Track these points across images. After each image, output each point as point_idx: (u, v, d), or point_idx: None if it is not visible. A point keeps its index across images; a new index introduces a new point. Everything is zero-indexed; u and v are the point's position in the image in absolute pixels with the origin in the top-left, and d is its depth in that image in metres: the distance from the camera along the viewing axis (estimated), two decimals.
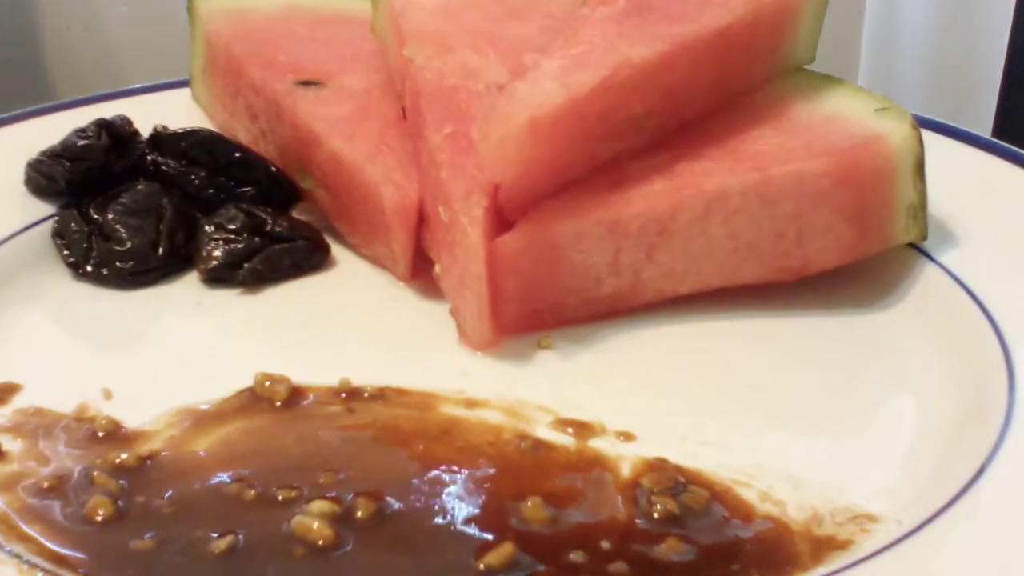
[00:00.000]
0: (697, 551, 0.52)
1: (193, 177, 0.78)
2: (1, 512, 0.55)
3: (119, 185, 0.78)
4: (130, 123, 0.80)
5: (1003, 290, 0.68)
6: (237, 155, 0.79)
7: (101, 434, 0.60)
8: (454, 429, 0.60)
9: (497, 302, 0.66)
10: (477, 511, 0.55)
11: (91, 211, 0.76)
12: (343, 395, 0.63)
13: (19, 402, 0.63)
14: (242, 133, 0.84)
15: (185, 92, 0.92)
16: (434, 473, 0.57)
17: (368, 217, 0.74)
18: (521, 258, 0.66)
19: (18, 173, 0.80)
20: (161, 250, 0.75)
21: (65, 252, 0.75)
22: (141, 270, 0.74)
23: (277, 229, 0.76)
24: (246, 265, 0.74)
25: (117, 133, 0.79)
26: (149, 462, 0.58)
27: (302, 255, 0.75)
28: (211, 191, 0.78)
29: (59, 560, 0.52)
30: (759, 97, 0.74)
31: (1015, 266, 0.70)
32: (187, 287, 0.74)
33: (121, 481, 0.56)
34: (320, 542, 0.52)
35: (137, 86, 0.93)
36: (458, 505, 0.55)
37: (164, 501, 0.55)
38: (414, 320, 0.70)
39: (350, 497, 0.55)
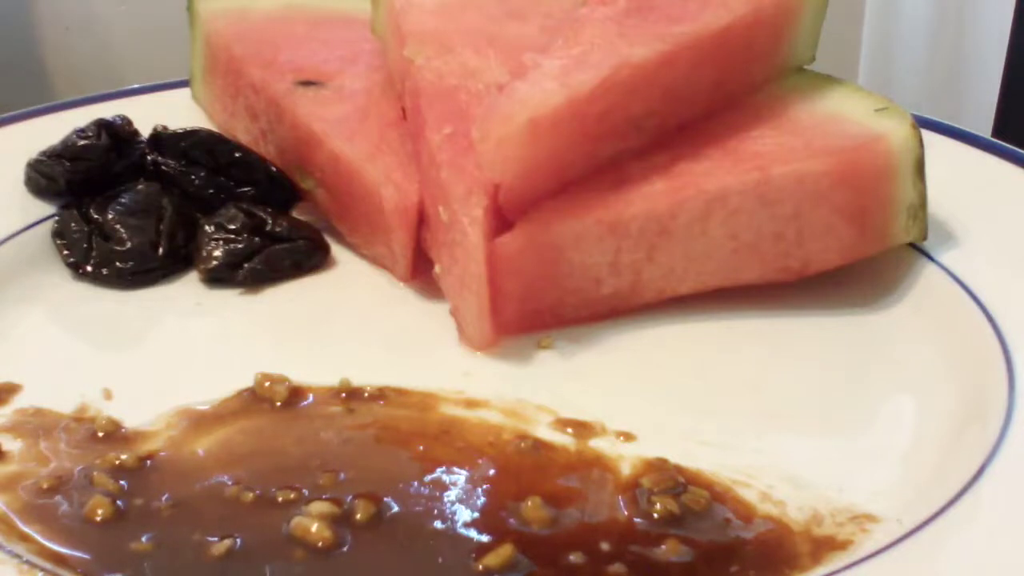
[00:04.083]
0: (697, 552, 0.52)
1: (193, 177, 0.78)
2: (1, 512, 0.55)
3: (119, 185, 0.78)
4: (130, 123, 0.80)
5: (1003, 290, 0.68)
6: (237, 155, 0.79)
7: (101, 434, 0.60)
8: (454, 429, 0.60)
9: (497, 302, 0.66)
10: (477, 512, 0.55)
11: (91, 211, 0.76)
12: (343, 395, 0.63)
13: (19, 402, 0.63)
14: (242, 133, 0.84)
15: (185, 92, 0.92)
16: (434, 474, 0.57)
17: (368, 217, 0.74)
18: (521, 258, 0.66)
19: (18, 173, 0.80)
20: (161, 250, 0.75)
21: (65, 252, 0.75)
22: (141, 270, 0.74)
23: (277, 229, 0.76)
24: (246, 265, 0.74)
25: (117, 133, 0.79)
26: (149, 462, 0.58)
27: (302, 255, 0.75)
28: (211, 191, 0.78)
29: (58, 560, 0.52)
30: (759, 97, 0.74)
31: (1015, 266, 0.70)
32: (187, 287, 0.74)
33: (121, 482, 0.56)
34: (319, 544, 0.52)
35: (137, 86, 0.93)
36: (458, 506, 0.55)
37: (163, 503, 0.55)
38: (414, 320, 0.70)
39: (350, 498, 0.55)
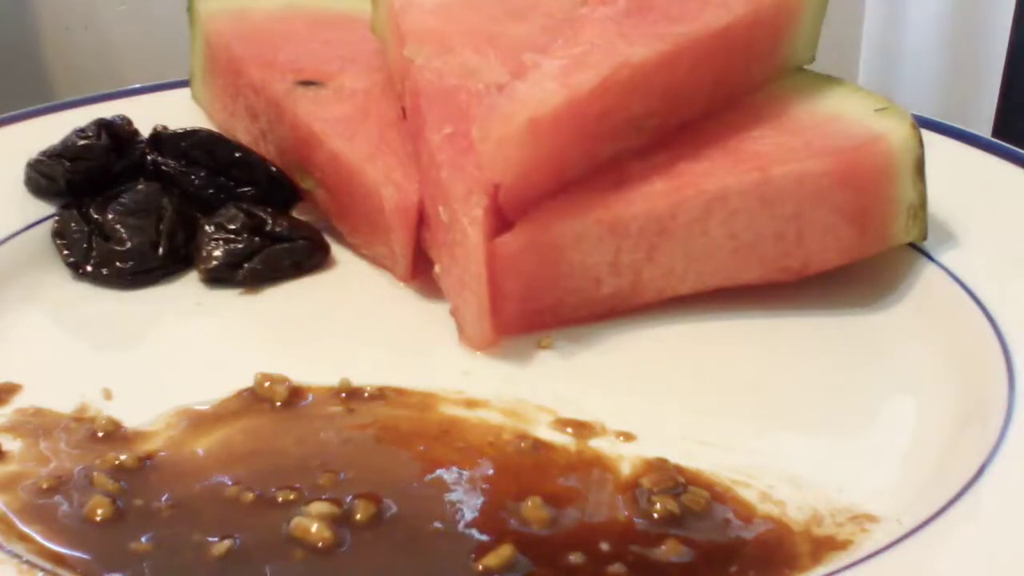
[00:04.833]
0: (697, 552, 0.52)
1: (193, 177, 0.78)
2: (1, 512, 0.55)
3: (119, 185, 0.78)
4: (130, 123, 0.80)
5: (1003, 290, 0.68)
6: (237, 155, 0.79)
7: (101, 434, 0.60)
8: (454, 429, 0.60)
9: (497, 302, 0.66)
10: (476, 512, 0.55)
11: (91, 211, 0.76)
12: (343, 395, 0.63)
13: (19, 402, 0.63)
14: (242, 133, 0.84)
15: (185, 92, 0.92)
16: (434, 474, 0.57)
17: (368, 217, 0.74)
18: (521, 258, 0.66)
19: (18, 173, 0.80)
20: (161, 250, 0.75)
21: (65, 252, 0.75)
22: (141, 270, 0.74)
23: (277, 229, 0.76)
24: (246, 265, 0.74)
25: (117, 133, 0.79)
26: (148, 463, 0.58)
27: (302, 255, 0.75)
28: (211, 191, 0.78)
29: (58, 560, 0.52)
30: (759, 97, 0.74)
31: (1015, 266, 0.70)
32: (187, 287, 0.74)
33: (121, 482, 0.56)
34: (319, 544, 0.52)
35: (137, 86, 0.93)
36: (458, 506, 0.55)
37: (163, 503, 0.55)
38: (414, 320, 0.70)
39: (350, 499, 0.55)
